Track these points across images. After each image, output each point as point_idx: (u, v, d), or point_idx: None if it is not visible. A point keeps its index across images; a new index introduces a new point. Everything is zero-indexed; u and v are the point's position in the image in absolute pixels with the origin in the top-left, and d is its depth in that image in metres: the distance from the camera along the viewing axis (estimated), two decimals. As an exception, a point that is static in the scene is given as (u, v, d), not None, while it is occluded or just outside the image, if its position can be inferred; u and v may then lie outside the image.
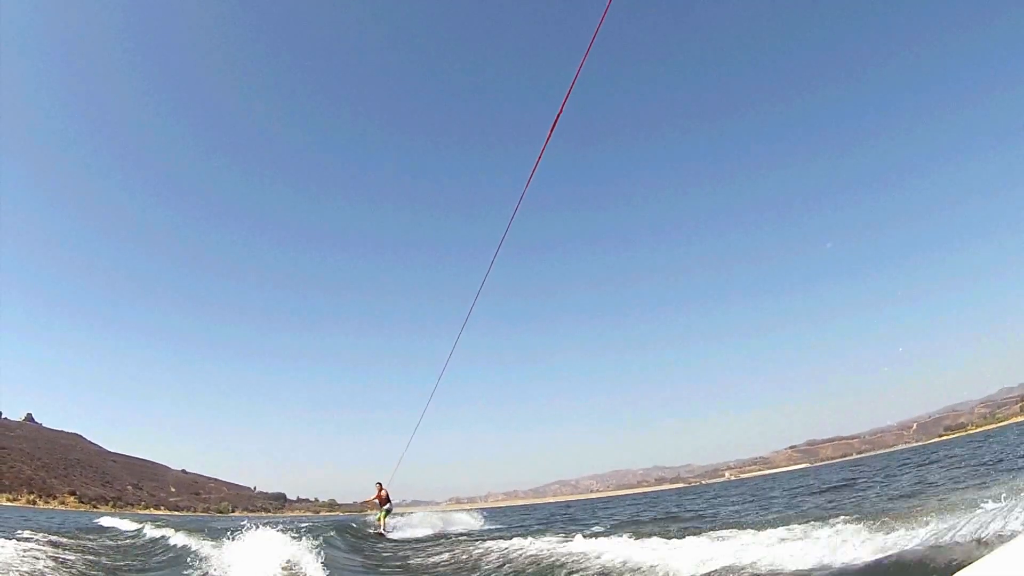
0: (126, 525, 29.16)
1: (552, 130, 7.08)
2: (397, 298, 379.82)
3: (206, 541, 15.68)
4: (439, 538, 19.89)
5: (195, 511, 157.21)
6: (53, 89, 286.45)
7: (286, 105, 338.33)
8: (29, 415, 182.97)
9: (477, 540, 15.60)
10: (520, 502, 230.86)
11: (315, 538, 13.16)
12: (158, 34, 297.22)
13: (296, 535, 12.47)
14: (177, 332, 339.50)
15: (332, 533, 16.05)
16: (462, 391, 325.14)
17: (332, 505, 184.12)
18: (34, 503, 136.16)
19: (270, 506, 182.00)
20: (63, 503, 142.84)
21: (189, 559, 12.83)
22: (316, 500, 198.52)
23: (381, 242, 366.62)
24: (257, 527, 12.84)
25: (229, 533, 13.21)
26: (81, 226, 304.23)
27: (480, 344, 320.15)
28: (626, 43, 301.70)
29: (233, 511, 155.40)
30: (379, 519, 22.73)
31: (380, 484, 23.58)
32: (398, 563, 13.97)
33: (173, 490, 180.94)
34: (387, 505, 23.05)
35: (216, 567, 11.00)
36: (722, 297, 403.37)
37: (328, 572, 10.30)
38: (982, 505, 6.80)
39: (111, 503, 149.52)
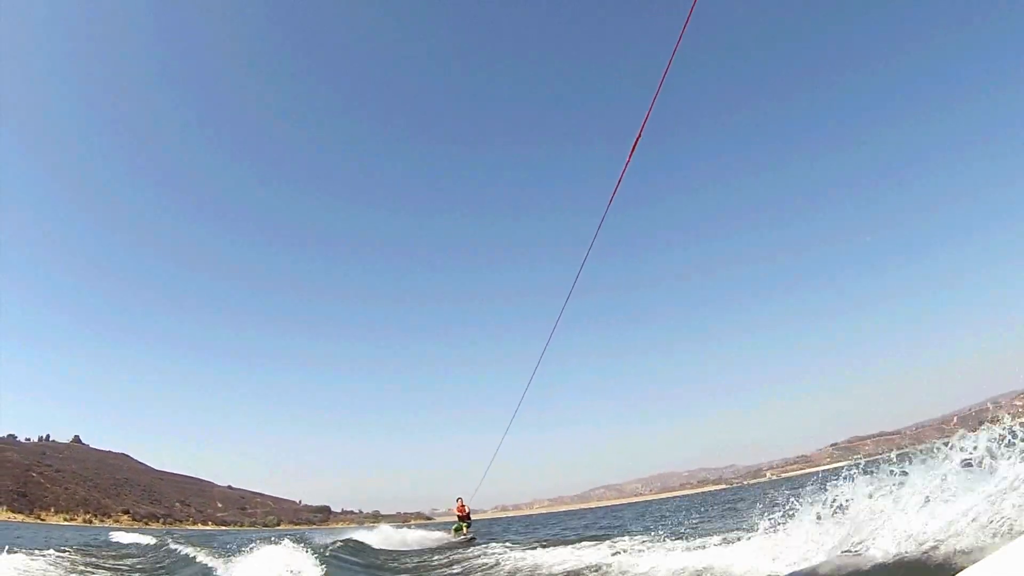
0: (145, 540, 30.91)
1: (634, 148, 7.50)
2: (441, 307, 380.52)
3: (215, 554, 16.20)
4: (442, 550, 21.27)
5: (242, 526, 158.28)
6: (65, 95, 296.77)
7: (304, 108, 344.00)
8: (76, 437, 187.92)
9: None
10: (565, 508, 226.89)
11: (322, 551, 13.34)
12: (173, 34, 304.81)
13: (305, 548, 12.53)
14: (220, 349, 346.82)
15: (338, 545, 16.42)
16: (507, 398, 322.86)
17: (376, 516, 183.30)
18: (90, 522, 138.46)
19: (315, 519, 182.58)
20: (117, 521, 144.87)
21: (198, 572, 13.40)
22: (360, 512, 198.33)
23: (428, 248, 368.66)
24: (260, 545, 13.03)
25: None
26: (123, 252, 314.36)
27: (526, 350, 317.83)
28: (641, 51, 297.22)
29: (278, 524, 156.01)
30: (463, 529, 25.63)
31: (461, 499, 26.48)
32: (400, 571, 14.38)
33: (220, 505, 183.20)
34: (468, 520, 26.24)
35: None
36: (768, 295, 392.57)
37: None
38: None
39: (161, 520, 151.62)
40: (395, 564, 15.73)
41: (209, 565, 14.42)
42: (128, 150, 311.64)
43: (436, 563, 15.31)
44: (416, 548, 23.16)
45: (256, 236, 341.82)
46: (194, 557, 16.82)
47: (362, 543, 21.70)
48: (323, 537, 22.18)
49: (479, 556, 14.59)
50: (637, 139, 7.45)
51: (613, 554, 10.89)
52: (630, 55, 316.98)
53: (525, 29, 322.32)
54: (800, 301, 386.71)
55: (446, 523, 28.54)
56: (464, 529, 25.54)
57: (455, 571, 13.11)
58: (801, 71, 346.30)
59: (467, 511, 26.28)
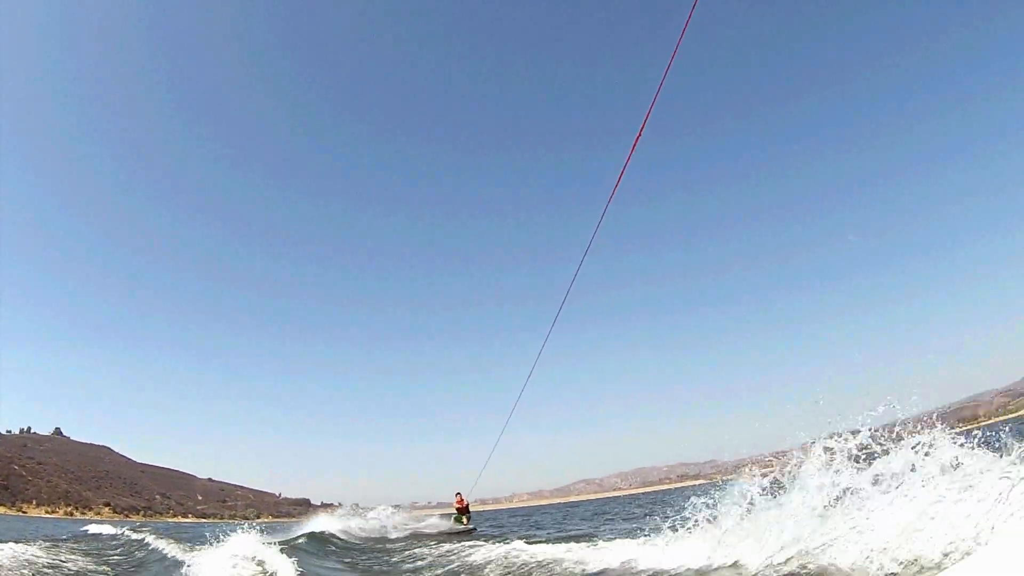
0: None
1: (633, 149, 7.87)
2: (417, 308, 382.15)
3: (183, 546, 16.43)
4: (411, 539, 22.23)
5: (222, 518, 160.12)
6: (64, 96, 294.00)
7: (303, 111, 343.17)
8: (58, 429, 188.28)
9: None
10: (545, 502, 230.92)
11: (290, 545, 13.79)
12: (169, 36, 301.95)
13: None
14: (201, 343, 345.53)
15: (303, 540, 16.50)
16: (486, 393, 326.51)
17: (356, 509, 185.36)
18: (71, 515, 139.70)
19: (295, 511, 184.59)
20: (98, 514, 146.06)
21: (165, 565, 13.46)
22: (340, 505, 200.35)
23: (419, 250, 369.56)
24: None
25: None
26: (102, 242, 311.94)
27: (504, 345, 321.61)
28: (641, 53, 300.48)
29: (259, 517, 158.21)
30: (463, 520, 26.84)
31: (460, 494, 27.44)
32: (370, 563, 14.79)
33: (200, 498, 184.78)
34: (467, 514, 27.41)
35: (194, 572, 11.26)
36: (745, 294, 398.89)
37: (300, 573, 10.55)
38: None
39: (142, 512, 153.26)
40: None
41: (177, 556, 14.69)
42: (118, 148, 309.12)
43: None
44: (403, 534, 25.54)
45: (240, 233, 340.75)
46: (163, 549, 17.38)
47: (334, 533, 22.95)
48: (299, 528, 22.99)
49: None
50: (634, 144, 7.69)
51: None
52: (630, 58, 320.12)
53: (524, 31, 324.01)
54: (783, 302, 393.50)
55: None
56: (464, 520, 26.92)
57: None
58: (803, 73, 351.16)
59: (466, 504, 27.56)
